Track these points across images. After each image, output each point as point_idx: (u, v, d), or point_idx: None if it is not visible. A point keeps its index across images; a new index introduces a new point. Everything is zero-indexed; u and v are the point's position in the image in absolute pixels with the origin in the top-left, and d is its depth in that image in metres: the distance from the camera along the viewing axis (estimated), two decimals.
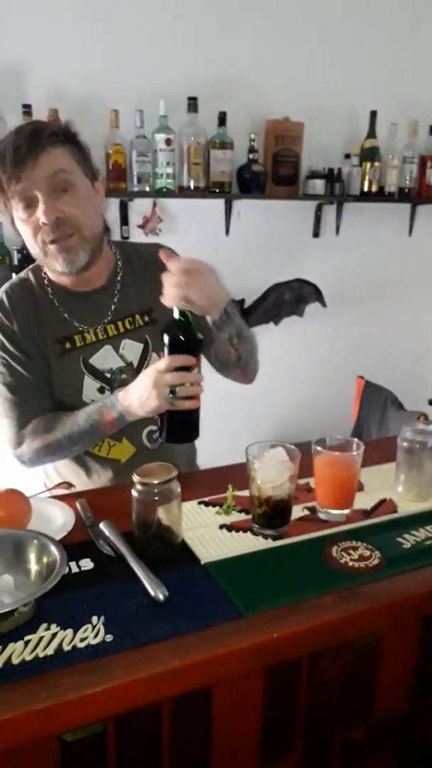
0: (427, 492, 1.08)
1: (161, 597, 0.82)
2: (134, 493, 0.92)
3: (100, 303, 1.26)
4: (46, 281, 1.25)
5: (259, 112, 2.53)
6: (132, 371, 1.25)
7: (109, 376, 1.25)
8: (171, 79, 2.37)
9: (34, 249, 1.17)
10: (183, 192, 2.45)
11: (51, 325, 1.23)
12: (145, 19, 2.31)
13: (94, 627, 0.78)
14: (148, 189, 2.38)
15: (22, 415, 1.22)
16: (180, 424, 1.09)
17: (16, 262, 2.24)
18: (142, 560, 0.89)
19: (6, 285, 1.27)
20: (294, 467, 0.96)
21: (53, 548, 0.83)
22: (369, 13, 2.63)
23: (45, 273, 1.26)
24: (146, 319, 1.28)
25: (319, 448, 1.01)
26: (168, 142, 2.35)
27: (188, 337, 1.04)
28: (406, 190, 2.78)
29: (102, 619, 0.79)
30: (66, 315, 1.24)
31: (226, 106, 2.43)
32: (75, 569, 0.90)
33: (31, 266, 1.28)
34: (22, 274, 1.28)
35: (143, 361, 1.27)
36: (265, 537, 0.98)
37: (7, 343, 1.21)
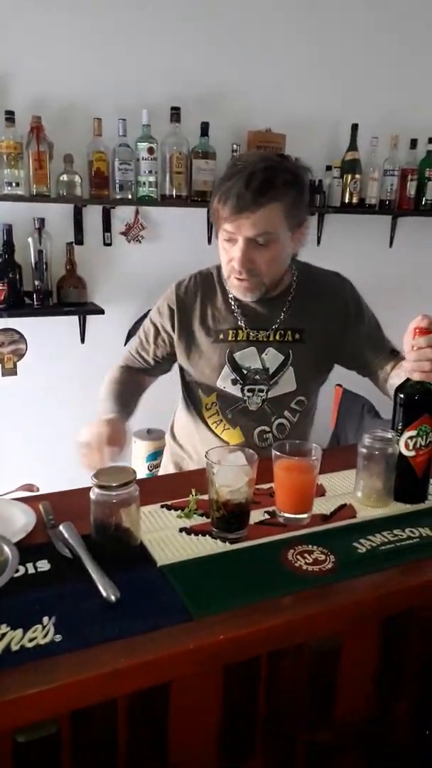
0: (385, 498, 1.09)
1: (113, 598, 0.82)
2: (92, 495, 0.93)
3: (268, 313, 1.37)
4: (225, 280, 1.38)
5: (242, 123, 2.56)
6: (266, 376, 1.36)
7: (245, 372, 1.36)
8: (154, 88, 2.40)
9: (224, 267, 1.31)
10: (165, 201, 2.47)
11: (218, 315, 1.38)
12: (129, 28, 2.34)
13: (44, 627, 0.78)
14: (130, 197, 2.40)
15: (126, 361, 1.51)
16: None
17: None
18: (99, 562, 0.89)
19: (193, 273, 1.43)
20: (252, 471, 0.97)
21: (5, 548, 0.83)
22: (352, 29, 2.67)
23: None
24: (296, 336, 1.37)
25: (278, 453, 1.02)
26: (150, 151, 2.37)
27: (424, 400, 1.12)
28: (387, 202, 2.81)
29: (53, 619, 0.79)
30: (235, 313, 1.37)
31: (208, 116, 2.46)
32: (31, 570, 0.90)
33: (217, 265, 1.40)
34: (209, 268, 1.43)
35: (279, 371, 1.37)
36: (224, 540, 0.98)
37: (171, 317, 1.39)
